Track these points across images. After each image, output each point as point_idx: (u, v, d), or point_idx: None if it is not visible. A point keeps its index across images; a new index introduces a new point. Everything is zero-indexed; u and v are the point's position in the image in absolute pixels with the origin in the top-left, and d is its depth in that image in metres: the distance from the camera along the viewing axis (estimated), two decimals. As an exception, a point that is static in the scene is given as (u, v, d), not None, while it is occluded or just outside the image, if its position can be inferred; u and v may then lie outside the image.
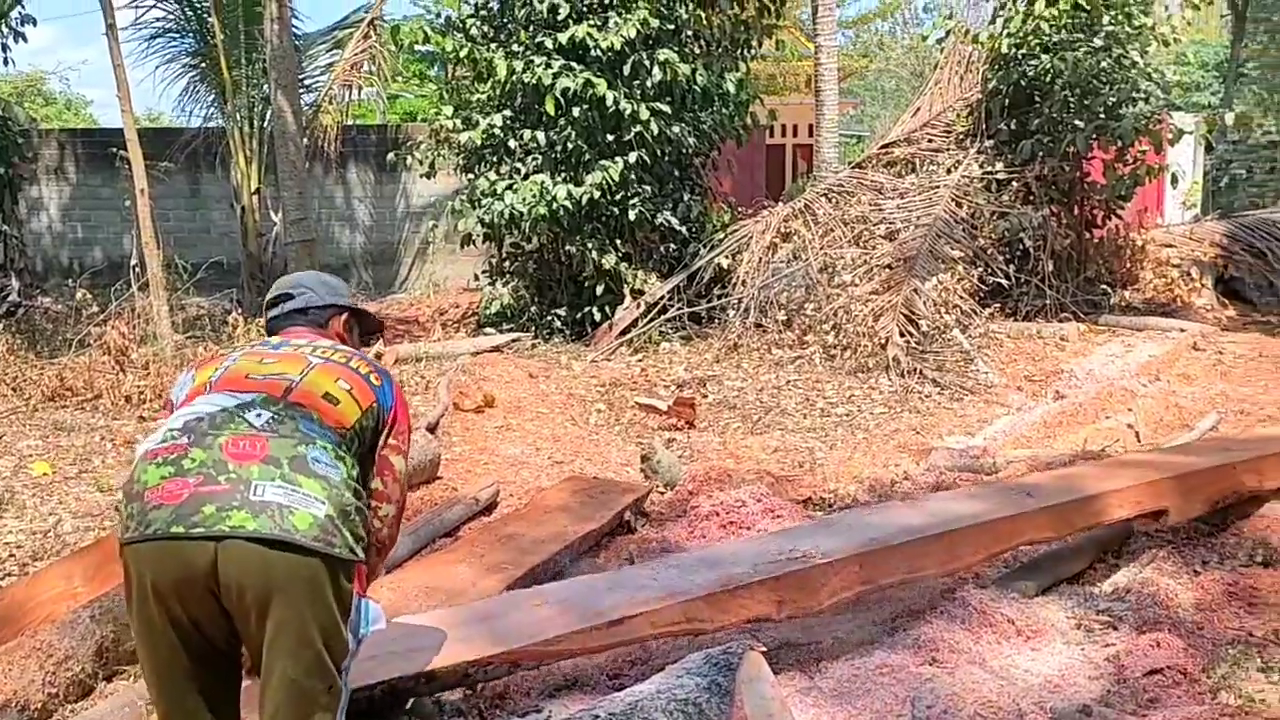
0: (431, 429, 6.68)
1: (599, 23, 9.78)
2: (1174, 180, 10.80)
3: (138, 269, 9.03)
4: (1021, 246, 10.59)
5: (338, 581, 2.37)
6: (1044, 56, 10.31)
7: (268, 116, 12.66)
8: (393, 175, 15.51)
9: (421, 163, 10.98)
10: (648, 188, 10.21)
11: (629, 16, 9.66)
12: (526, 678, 3.64)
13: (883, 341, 8.87)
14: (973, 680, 3.27)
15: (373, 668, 2.71)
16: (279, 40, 10.65)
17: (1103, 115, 10.28)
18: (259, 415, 2.45)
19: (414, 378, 8.60)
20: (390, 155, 11.41)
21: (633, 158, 9.83)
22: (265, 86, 12.38)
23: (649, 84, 9.86)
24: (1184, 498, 4.62)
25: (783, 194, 12.50)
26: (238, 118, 13.20)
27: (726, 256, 10.60)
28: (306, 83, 14.12)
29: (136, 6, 13.76)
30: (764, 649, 2.97)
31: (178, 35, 14.14)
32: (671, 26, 10.11)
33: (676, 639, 3.64)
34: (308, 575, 2.32)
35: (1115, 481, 4.57)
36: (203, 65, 14.01)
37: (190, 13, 13.90)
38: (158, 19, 14.00)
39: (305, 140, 12.24)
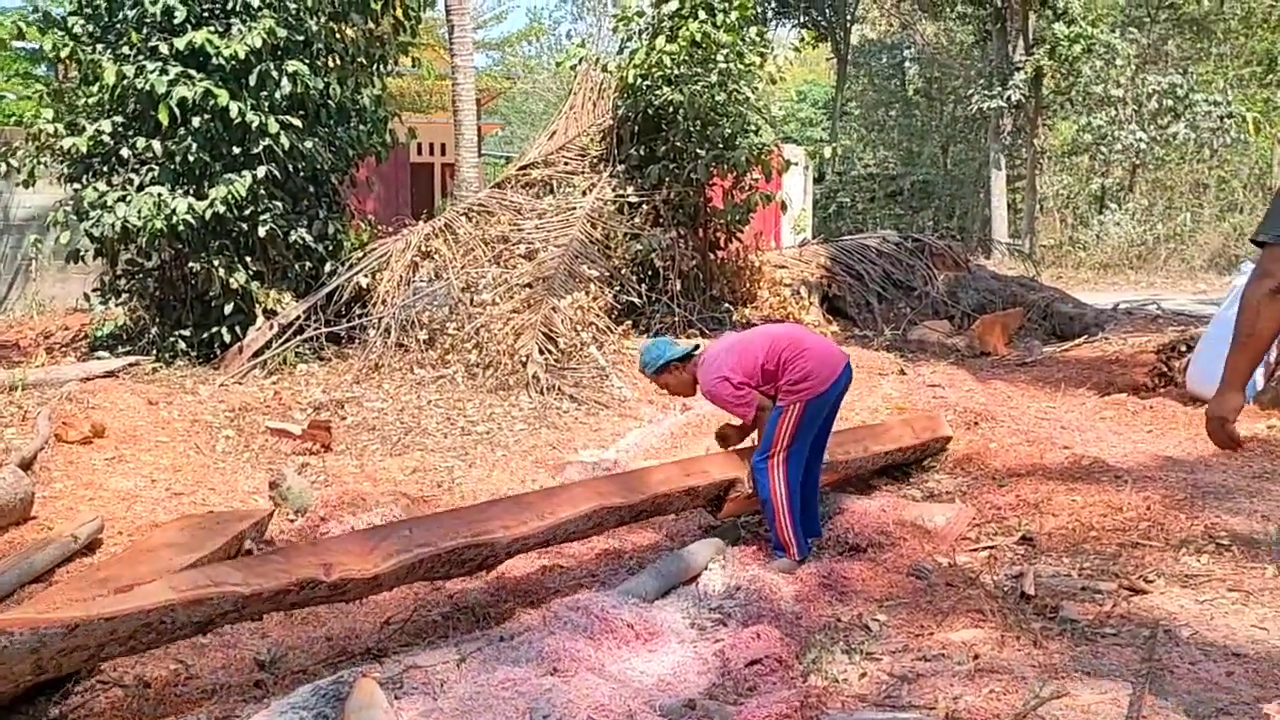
0: (26, 465, 6.02)
1: (220, 29, 9.24)
2: (784, 207, 11.79)
3: None
4: (652, 267, 11.14)
5: None
6: (666, 89, 10.90)
7: None
8: (-13, 184, 13.89)
9: (19, 170, 9.90)
10: (279, 204, 9.76)
11: (254, 25, 9.18)
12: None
13: (523, 359, 9.04)
14: (589, 686, 3.38)
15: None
16: None
17: (721, 145, 11.03)
18: None
19: (9, 408, 7.72)
20: (-21, 162, 10.20)
21: (262, 172, 9.36)
22: None
23: (278, 96, 9.42)
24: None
25: (423, 213, 12.41)
26: None
27: (366, 275, 10.38)
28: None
29: None
30: (378, 676, 2.93)
31: None
32: (301, 38, 9.72)
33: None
34: None
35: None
36: None
37: None
38: None
39: None
